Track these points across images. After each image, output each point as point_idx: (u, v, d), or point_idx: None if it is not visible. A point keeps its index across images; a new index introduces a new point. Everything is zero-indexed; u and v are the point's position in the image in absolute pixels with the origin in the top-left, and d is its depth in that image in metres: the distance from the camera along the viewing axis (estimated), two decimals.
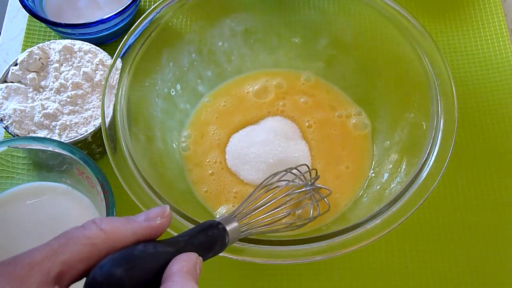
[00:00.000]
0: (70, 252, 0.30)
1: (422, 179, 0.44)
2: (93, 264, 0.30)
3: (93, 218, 0.32)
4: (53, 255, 0.29)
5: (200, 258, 0.33)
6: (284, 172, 0.49)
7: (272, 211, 0.43)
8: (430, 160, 0.45)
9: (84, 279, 0.30)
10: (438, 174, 0.44)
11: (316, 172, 0.52)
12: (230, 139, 0.57)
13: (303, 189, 0.50)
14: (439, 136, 0.46)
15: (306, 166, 0.51)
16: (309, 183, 0.50)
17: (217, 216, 0.52)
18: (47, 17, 0.62)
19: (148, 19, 0.52)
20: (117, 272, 0.29)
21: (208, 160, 0.56)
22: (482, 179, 0.57)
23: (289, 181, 0.49)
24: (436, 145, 0.46)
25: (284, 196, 0.46)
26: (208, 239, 0.35)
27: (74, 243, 0.30)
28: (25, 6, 0.60)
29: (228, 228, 0.36)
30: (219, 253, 0.36)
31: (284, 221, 0.48)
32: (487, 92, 0.62)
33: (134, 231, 0.32)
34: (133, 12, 0.64)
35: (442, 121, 0.47)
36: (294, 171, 0.50)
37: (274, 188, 0.47)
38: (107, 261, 0.30)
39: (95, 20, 0.59)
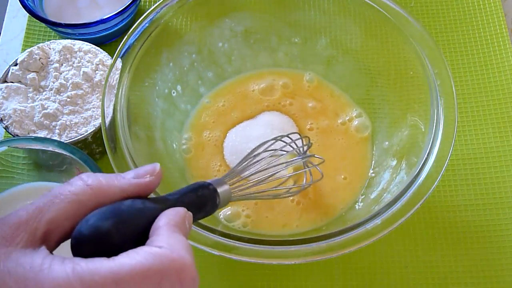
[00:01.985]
0: (56, 210, 0.29)
1: (422, 179, 0.44)
2: (79, 221, 0.29)
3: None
4: (39, 213, 0.29)
5: (190, 213, 0.32)
6: (275, 140, 0.48)
7: (263, 176, 0.43)
8: (430, 160, 0.45)
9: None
10: (438, 174, 0.44)
11: (309, 140, 0.51)
12: (227, 134, 0.57)
13: (295, 159, 0.49)
14: (439, 136, 0.46)
15: (298, 134, 0.50)
16: (302, 150, 0.50)
17: (221, 216, 0.52)
18: (47, 17, 0.62)
19: (148, 19, 0.52)
20: (104, 225, 0.28)
21: (212, 166, 0.56)
22: (482, 179, 0.57)
23: (281, 149, 0.48)
24: (436, 145, 0.46)
25: (276, 163, 0.46)
26: (198, 198, 0.34)
27: (60, 200, 0.29)
28: (25, 6, 0.60)
29: (219, 189, 0.36)
30: (210, 214, 0.36)
31: (275, 187, 0.47)
32: (487, 92, 0.62)
33: (122, 188, 0.31)
34: (133, 12, 0.64)
35: (442, 121, 0.47)
36: (286, 138, 0.49)
37: (267, 154, 0.46)
38: (94, 214, 0.29)
39: (95, 20, 0.59)
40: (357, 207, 0.53)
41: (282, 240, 0.42)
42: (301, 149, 0.50)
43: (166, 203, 0.32)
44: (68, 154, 0.47)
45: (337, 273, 0.52)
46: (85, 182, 0.30)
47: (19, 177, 0.50)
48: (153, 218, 0.30)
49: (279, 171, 0.46)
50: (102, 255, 0.28)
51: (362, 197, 0.53)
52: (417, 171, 0.45)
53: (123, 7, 0.60)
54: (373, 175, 0.54)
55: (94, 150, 0.55)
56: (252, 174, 0.43)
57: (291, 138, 0.50)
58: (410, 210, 0.43)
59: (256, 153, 0.46)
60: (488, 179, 0.57)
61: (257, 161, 0.45)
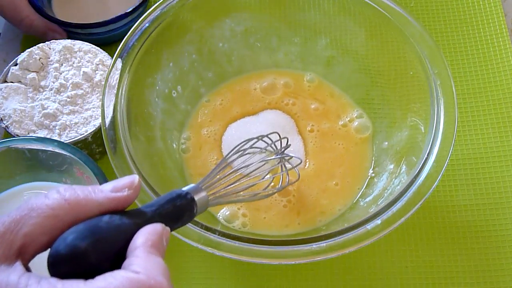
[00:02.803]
0: (32, 224, 0.29)
1: (422, 179, 0.44)
2: (57, 235, 0.29)
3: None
4: (16, 227, 0.28)
5: (167, 228, 0.32)
6: (255, 140, 0.47)
7: (240, 179, 0.43)
8: (430, 160, 0.45)
9: (48, 250, 0.29)
10: (438, 174, 0.44)
11: (287, 141, 0.50)
12: (228, 128, 0.57)
13: (273, 157, 0.48)
14: (439, 136, 0.46)
15: (277, 134, 0.50)
16: (280, 152, 0.49)
17: (220, 217, 0.52)
18: (56, 16, 0.62)
19: (148, 19, 0.52)
20: (82, 244, 0.28)
21: (209, 160, 0.56)
22: (482, 179, 0.57)
23: (259, 148, 0.47)
24: (436, 145, 0.46)
25: (253, 165, 0.45)
26: (176, 209, 0.34)
27: (37, 214, 0.29)
28: (34, 6, 0.59)
29: (196, 197, 0.35)
30: (187, 223, 0.36)
31: (252, 190, 0.47)
32: (487, 92, 0.62)
33: (100, 202, 0.30)
34: (142, 11, 0.63)
35: (442, 121, 0.47)
36: (265, 139, 0.48)
37: (243, 156, 0.46)
38: (71, 232, 0.29)
39: (104, 20, 0.58)
40: (356, 207, 0.53)
41: (282, 240, 0.42)
42: (278, 148, 0.49)
43: (144, 217, 0.32)
44: (68, 154, 0.47)
45: (337, 273, 0.52)
46: (63, 196, 0.30)
47: (19, 177, 0.50)
48: (130, 235, 0.30)
49: (255, 170, 0.46)
50: (79, 275, 0.28)
51: (362, 197, 0.53)
52: (417, 171, 0.45)
53: (134, 7, 0.59)
54: (373, 175, 0.54)
55: (94, 150, 0.55)
56: (227, 175, 0.42)
57: (271, 139, 0.49)
58: (410, 210, 0.43)
59: (231, 154, 0.45)
60: (488, 179, 0.57)
61: (232, 161, 0.45)
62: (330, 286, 0.52)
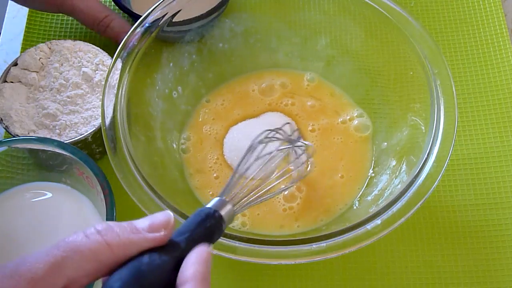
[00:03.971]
0: (75, 268, 0.29)
1: (422, 179, 0.44)
2: (96, 277, 0.30)
3: (96, 224, 0.31)
4: (57, 268, 0.29)
5: (209, 249, 0.32)
6: (269, 132, 0.48)
7: (261, 184, 0.43)
8: (430, 160, 0.45)
9: None
10: (438, 174, 0.44)
11: (297, 129, 0.51)
12: (229, 130, 0.57)
13: (286, 146, 0.48)
14: (439, 136, 0.46)
15: (288, 125, 0.50)
16: (292, 142, 0.49)
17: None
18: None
19: (149, 19, 0.52)
20: None
21: (210, 166, 0.56)
22: (482, 179, 0.57)
23: (275, 138, 0.48)
24: (436, 145, 0.46)
25: (270, 164, 0.45)
26: (207, 231, 0.34)
27: (79, 258, 0.29)
28: (117, 3, 0.60)
29: (223, 213, 0.36)
30: (216, 241, 0.36)
31: (273, 188, 0.46)
32: (487, 92, 0.62)
33: (139, 244, 0.31)
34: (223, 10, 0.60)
35: (442, 121, 0.47)
36: (273, 133, 0.48)
37: (258, 157, 0.46)
38: (116, 280, 0.29)
39: (194, 16, 0.56)
40: (356, 207, 0.53)
41: (282, 240, 0.42)
42: (292, 137, 0.49)
43: (179, 249, 0.32)
44: (68, 154, 0.47)
45: (337, 273, 0.52)
46: (105, 239, 0.30)
47: (19, 177, 0.50)
48: (172, 270, 0.31)
49: (274, 166, 0.46)
50: None
51: (362, 197, 0.53)
52: (417, 171, 0.45)
53: (219, 2, 0.57)
54: (373, 175, 0.54)
55: (94, 150, 0.55)
56: (250, 179, 0.42)
57: (284, 131, 0.49)
58: (410, 210, 0.43)
59: (248, 155, 0.45)
60: (488, 179, 0.57)
61: (251, 163, 0.44)
62: (330, 286, 0.52)
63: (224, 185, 0.39)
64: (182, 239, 0.33)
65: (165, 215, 0.33)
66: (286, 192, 0.53)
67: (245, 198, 0.40)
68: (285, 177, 0.49)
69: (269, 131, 0.47)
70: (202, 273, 0.30)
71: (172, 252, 0.32)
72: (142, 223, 0.32)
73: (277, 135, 0.48)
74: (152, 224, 0.32)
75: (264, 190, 0.43)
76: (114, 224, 0.31)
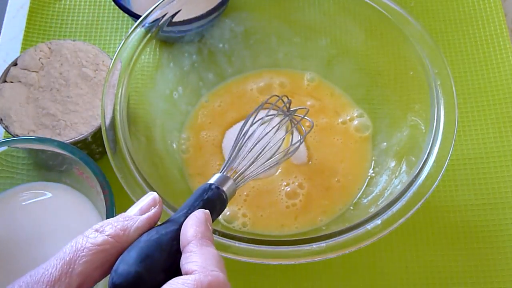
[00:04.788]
0: (84, 262, 0.30)
1: (422, 179, 0.44)
2: (106, 269, 0.31)
3: (92, 226, 0.33)
4: (69, 268, 0.30)
5: (207, 211, 0.34)
6: (259, 107, 0.49)
7: (260, 154, 0.44)
8: (430, 160, 0.45)
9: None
10: (438, 174, 0.44)
11: (287, 98, 0.51)
12: (225, 135, 0.57)
13: (282, 119, 0.50)
14: (439, 136, 0.46)
15: (276, 96, 0.51)
16: (285, 111, 0.50)
17: (219, 217, 0.52)
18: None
19: (149, 19, 0.52)
20: (132, 269, 0.30)
21: (211, 165, 0.56)
22: (482, 179, 0.57)
23: (267, 115, 0.49)
24: (436, 145, 0.46)
25: (266, 135, 0.46)
26: (206, 203, 0.35)
27: (85, 253, 0.31)
28: (116, 3, 0.60)
29: (223, 185, 0.37)
30: (222, 211, 0.37)
31: (273, 158, 0.47)
32: (487, 92, 0.62)
33: (136, 227, 0.33)
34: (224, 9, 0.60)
35: (442, 121, 0.47)
36: (265, 106, 0.50)
37: (253, 127, 0.47)
38: (119, 262, 0.31)
39: (194, 16, 0.56)
40: (356, 207, 0.53)
41: (282, 240, 0.42)
42: (284, 108, 0.50)
43: (179, 221, 0.33)
44: (68, 154, 0.47)
45: (337, 273, 0.52)
46: (104, 233, 0.32)
47: (19, 177, 0.50)
48: (173, 240, 0.32)
49: (272, 137, 0.47)
50: None
51: (362, 197, 0.53)
52: (417, 171, 0.45)
53: (219, 1, 0.57)
54: (373, 175, 0.54)
55: (94, 150, 0.55)
56: (248, 153, 0.43)
57: (270, 103, 0.50)
58: (410, 210, 0.43)
59: (244, 131, 0.46)
60: (488, 179, 0.57)
61: (248, 137, 0.45)
62: (330, 286, 0.52)
63: (224, 162, 0.40)
64: (181, 214, 0.34)
65: (150, 195, 0.35)
66: (288, 189, 0.53)
67: (244, 170, 0.41)
68: (283, 150, 0.49)
69: (259, 107, 0.48)
70: (202, 232, 0.32)
71: (170, 226, 0.33)
72: (131, 210, 0.34)
73: (271, 112, 0.49)
74: (142, 207, 0.34)
75: (264, 160, 0.43)
76: (108, 219, 0.33)
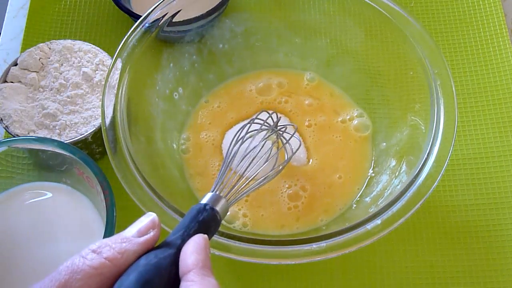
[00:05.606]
0: (80, 286, 0.30)
1: (422, 179, 0.44)
2: None
3: (89, 246, 0.32)
4: None
5: (206, 236, 0.34)
6: (248, 125, 0.49)
7: (250, 169, 0.44)
8: (430, 160, 0.45)
9: None
10: (438, 174, 0.44)
11: (277, 115, 0.52)
12: (225, 135, 0.57)
13: (270, 134, 0.50)
14: (439, 136, 0.46)
15: (266, 112, 0.51)
16: (274, 127, 0.50)
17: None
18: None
19: (149, 19, 0.52)
20: None
21: (213, 173, 0.55)
22: (482, 179, 0.57)
23: (255, 130, 0.49)
24: (436, 145, 0.46)
25: (256, 149, 0.47)
26: (201, 224, 0.35)
27: (81, 276, 0.30)
28: (117, 4, 0.60)
29: (215, 205, 0.37)
30: (216, 232, 0.37)
31: (263, 174, 0.47)
32: (487, 92, 0.62)
33: (134, 250, 0.32)
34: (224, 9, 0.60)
35: (442, 121, 0.47)
36: (257, 120, 0.50)
37: (243, 144, 0.47)
38: (118, 287, 0.30)
39: (194, 16, 0.56)
40: (356, 206, 0.53)
41: (282, 240, 0.42)
42: (271, 124, 0.50)
43: (176, 245, 0.33)
44: (68, 154, 0.47)
45: (337, 273, 0.52)
46: (101, 255, 0.31)
47: (19, 177, 0.50)
48: (172, 264, 0.32)
49: (260, 154, 0.47)
50: None
51: (362, 197, 0.53)
52: (417, 171, 0.45)
53: (219, 2, 0.57)
54: (372, 175, 0.54)
55: (94, 150, 0.55)
56: (238, 172, 0.43)
57: (261, 119, 0.50)
58: (410, 210, 0.43)
59: (231, 148, 0.46)
60: (488, 179, 0.57)
61: (235, 156, 0.45)
62: (330, 286, 0.52)
63: (215, 180, 0.40)
64: (177, 236, 0.34)
65: (148, 217, 0.34)
66: (290, 191, 0.53)
67: (236, 188, 0.41)
68: (275, 165, 0.50)
69: (248, 125, 0.48)
70: (203, 260, 0.32)
71: (168, 249, 0.32)
72: (129, 231, 0.33)
73: (262, 127, 0.49)
74: (140, 229, 0.33)
75: (255, 178, 0.43)
76: (105, 239, 0.32)
